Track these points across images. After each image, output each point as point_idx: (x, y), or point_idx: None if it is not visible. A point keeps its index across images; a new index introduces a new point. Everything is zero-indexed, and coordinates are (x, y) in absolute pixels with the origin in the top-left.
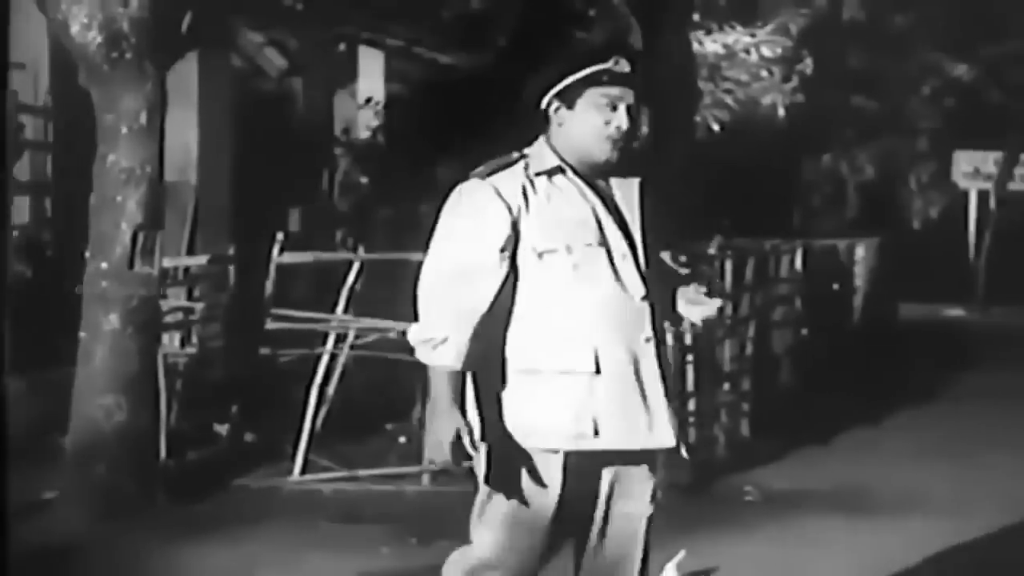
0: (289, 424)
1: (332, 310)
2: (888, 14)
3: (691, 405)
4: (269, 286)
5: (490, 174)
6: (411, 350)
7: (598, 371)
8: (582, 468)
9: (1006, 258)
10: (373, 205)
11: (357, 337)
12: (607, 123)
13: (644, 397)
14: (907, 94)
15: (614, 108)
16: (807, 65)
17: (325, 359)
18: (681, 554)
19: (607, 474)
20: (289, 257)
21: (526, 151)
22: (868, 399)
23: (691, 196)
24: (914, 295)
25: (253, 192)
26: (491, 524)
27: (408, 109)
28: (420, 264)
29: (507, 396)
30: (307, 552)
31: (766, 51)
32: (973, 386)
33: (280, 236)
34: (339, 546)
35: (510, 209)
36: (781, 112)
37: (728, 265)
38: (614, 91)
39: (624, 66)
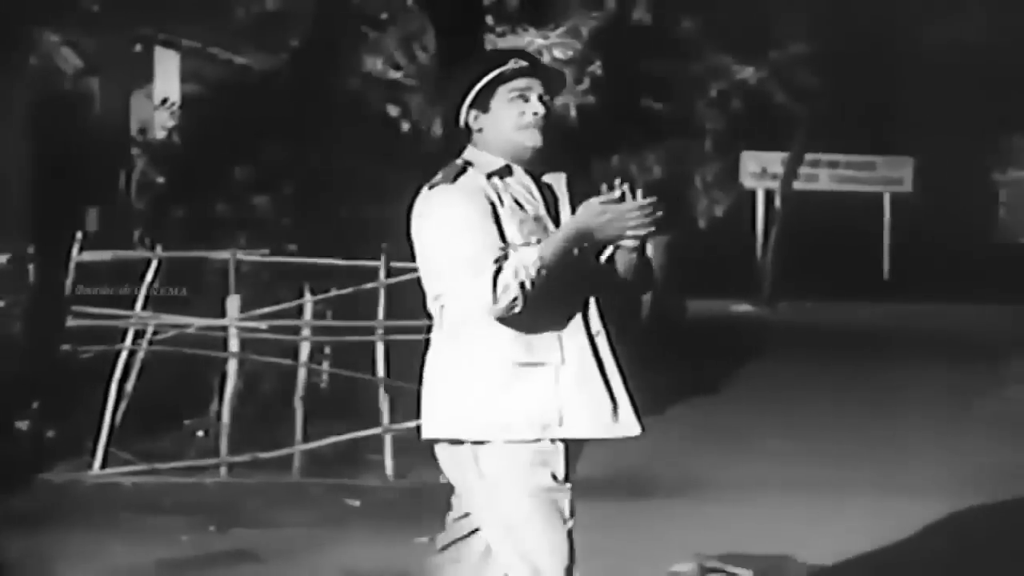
0: (90, 419)
1: (131, 307)
2: (675, 18)
3: None
4: (69, 284)
5: (453, 180)
6: (209, 346)
7: (563, 361)
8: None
9: (791, 255)
10: (169, 204)
11: (155, 333)
12: (522, 113)
13: (608, 387)
14: (694, 96)
15: (526, 100)
16: (598, 67)
17: (124, 355)
18: None
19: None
20: (88, 255)
21: (466, 158)
22: (655, 391)
23: None
24: (703, 292)
25: (51, 191)
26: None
27: (204, 109)
28: (218, 262)
29: (473, 390)
30: (109, 543)
31: (558, 53)
32: (758, 378)
33: (79, 235)
34: (140, 537)
35: (491, 202)
36: (573, 113)
37: None
38: (521, 83)
39: (523, 63)
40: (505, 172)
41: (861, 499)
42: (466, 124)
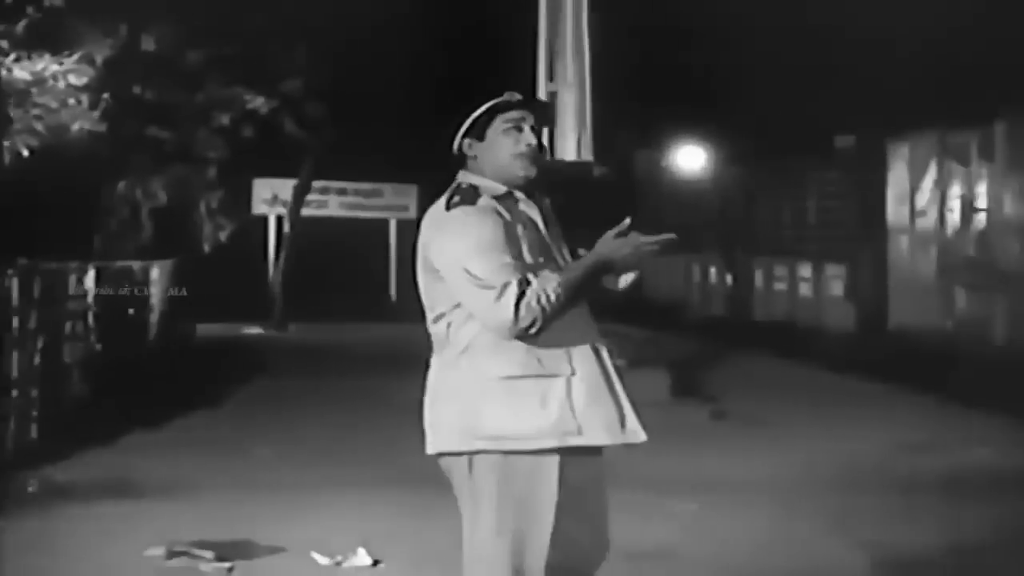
0: None
1: None
2: (182, 49)
3: None
4: None
5: (473, 202)
6: None
7: (573, 373)
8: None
9: (303, 279)
10: None
11: None
12: (516, 142)
13: (614, 396)
14: (200, 124)
15: (520, 130)
16: (110, 94)
17: None
18: None
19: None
20: None
21: (471, 182)
22: (156, 405)
23: None
24: (216, 315)
25: None
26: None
27: None
28: None
29: (490, 403)
30: None
31: (73, 79)
32: (257, 393)
33: None
34: None
35: (506, 223)
36: (88, 139)
37: (15, 284)
38: (515, 114)
39: (518, 96)
40: (508, 196)
41: (346, 492)
42: (459, 150)
